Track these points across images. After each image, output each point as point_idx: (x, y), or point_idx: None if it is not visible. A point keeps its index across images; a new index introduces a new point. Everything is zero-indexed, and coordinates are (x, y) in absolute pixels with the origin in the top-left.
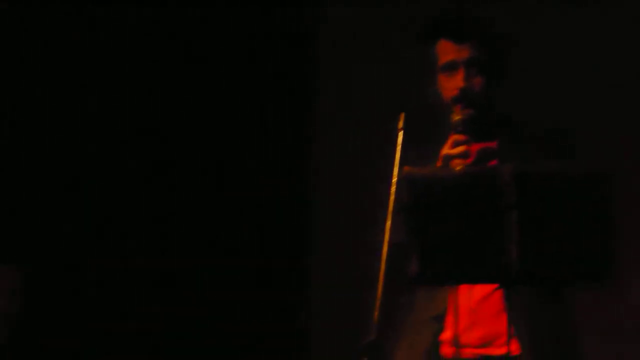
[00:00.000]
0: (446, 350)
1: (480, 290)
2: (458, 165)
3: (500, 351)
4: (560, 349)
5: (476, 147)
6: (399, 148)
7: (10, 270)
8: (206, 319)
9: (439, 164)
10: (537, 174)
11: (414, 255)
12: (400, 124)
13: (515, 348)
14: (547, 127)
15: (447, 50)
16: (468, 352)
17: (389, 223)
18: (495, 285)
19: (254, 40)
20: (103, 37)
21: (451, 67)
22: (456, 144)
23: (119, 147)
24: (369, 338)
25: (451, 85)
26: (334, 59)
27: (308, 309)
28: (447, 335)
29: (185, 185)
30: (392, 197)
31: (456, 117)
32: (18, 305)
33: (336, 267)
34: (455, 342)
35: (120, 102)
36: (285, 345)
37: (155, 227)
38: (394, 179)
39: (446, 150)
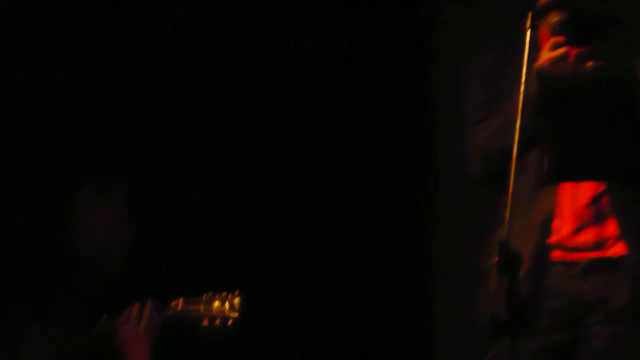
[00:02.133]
0: (555, 254)
1: (587, 193)
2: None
3: (607, 253)
4: None
5: (575, 51)
6: (527, 47)
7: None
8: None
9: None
10: None
11: (546, 153)
12: (528, 23)
13: (621, 250)
14: None
15: None
16: (576, 255)
17: (519, 122)
18: (602, 188)
19: None
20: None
21: None
22: (555, 47)
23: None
24: (501, 238)
25: None
26: None
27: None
28: (554, 239)
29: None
30: (521, 97)
31: (554, 19)
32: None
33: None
34: (564, 246)
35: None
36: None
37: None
38: (523, 78)
39: (545, 53)
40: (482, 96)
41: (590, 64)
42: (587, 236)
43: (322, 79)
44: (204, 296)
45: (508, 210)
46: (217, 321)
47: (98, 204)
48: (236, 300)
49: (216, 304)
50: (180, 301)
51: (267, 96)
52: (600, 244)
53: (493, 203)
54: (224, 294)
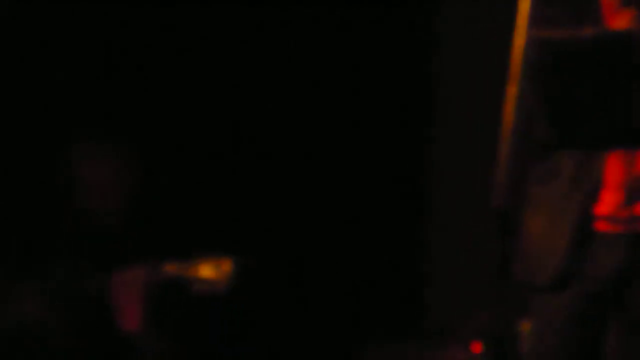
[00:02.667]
0: (602, 225)
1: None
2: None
3: None
4: None
5: None
6: (523, 12)
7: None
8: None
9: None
10: None
11: (543, 120)
12: None
13: None
14: None
15: None
16: (624, 227)
17: (514, 89)
18: None
19: None
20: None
21: None
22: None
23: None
24: (493, 204)
25: None
26: None
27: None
28: (602, 210)
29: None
30: (515, 62)
31: None
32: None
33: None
34: (612, 217)
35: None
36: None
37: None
38: (517, 42)
39: (620, 24)
40: None
41: (590, 29)
42: (638, 208)
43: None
44: (196, 261)
45: (501, 178)
46: (208, 286)
47: (93, 160)
48: (226, 266)
49: (207, 269)
50: (173, 265)
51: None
52: None
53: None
54: (215, 259)
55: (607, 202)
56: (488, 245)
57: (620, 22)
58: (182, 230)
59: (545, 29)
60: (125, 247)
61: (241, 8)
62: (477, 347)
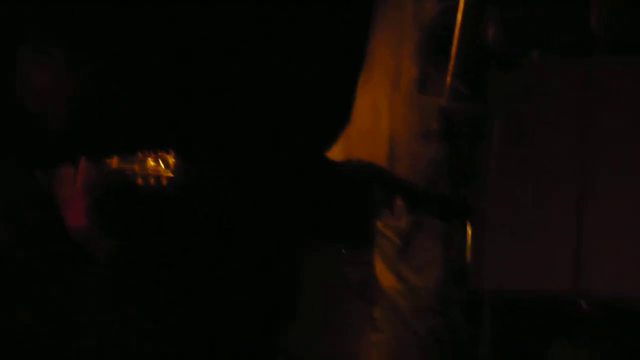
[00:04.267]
0: None
1: None
2: None
3: None
4: None
5: None
6: None
7: None
8: None
9: None
10: None
11: (491, 24)
12: None
13: None
14: None
15: None
16: None
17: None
18: None
19: None
20: None
21: None
22: None
23: None
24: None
25: None
26: None
27: None
28: None
29: None
30: None
31: None
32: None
33: None
34: None
35: None
36: None
37: None
38: None
39: None
40: None
41: None
42: None
43: None
44: (139, 155)
45: (449, 77)
46: (152, 180)
47: (35, 64)
48: (170, 159)
49: (150, 162)
50: (115, 159)
51: None
52: None
53: None
54: (159, 152)
55: None
56: None
57: None
58: (125, 125)
59: None
60: (68, 145)
61: None
62: None
